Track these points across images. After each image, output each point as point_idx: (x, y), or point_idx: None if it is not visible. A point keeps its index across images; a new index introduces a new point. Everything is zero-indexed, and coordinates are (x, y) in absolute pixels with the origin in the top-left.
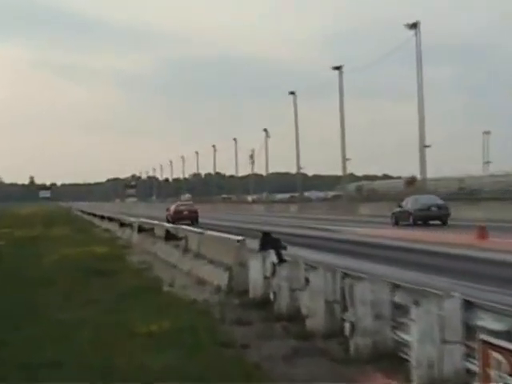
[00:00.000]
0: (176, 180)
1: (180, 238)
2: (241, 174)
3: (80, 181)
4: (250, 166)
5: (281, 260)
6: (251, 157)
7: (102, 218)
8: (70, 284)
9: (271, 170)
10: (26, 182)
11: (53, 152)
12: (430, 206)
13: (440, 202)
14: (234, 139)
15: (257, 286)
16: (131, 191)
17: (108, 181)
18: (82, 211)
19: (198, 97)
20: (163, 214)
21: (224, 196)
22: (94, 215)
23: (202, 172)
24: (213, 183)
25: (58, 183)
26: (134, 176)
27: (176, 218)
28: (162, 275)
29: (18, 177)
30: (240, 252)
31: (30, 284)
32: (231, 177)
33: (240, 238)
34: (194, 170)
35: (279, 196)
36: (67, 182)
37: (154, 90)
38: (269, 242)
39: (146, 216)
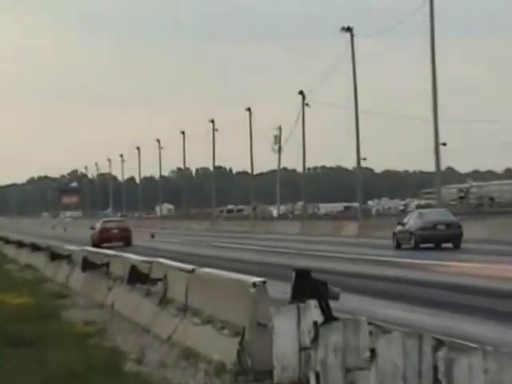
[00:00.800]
0: (149, 179)
1: (154, 280)
2: (259, 169)
3: None
4: (274, 154)
5: (328, 317)
6: (276, 139)
7: (21, 245)
8: None
9: (311, 164)
10: None
11: None
12: (435, 223)
13: (450, 218)
14: (248, 109)
15: (287, 363)
16: (71, 199)
17: (30, 182)
18: None
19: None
20: (134, 240)
21: (230, 208)
22: (6, 241)
23: (192, 167)
24: (211, 185)
25: None
26: (74, 173)
27: (103, 238)
28: (124, 345)
29: None
30: (258, 304)
31: None
32: (243, 174)
33: (258, 279)
34: (177, 163)
35: (325, 207)
36: None
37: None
38: (307, 286)
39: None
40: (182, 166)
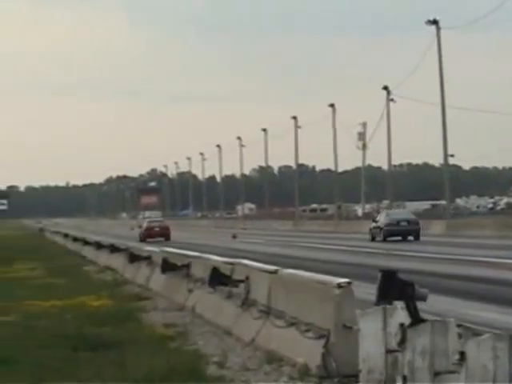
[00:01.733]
0: (230, 178)
1: (236, 282)
2: (343, 166)
3: (59, 182)
4: (358, 151)
5: (416, 319)
6: (361, 136)
7: (99, 246)
8: (40, 369)
9: (396, 161)
10: None
11: (9, 136)
12: (399, 220)
13: (411, 216)
14: (331, 105)
15: (373, 367)
16: (150, 199)
17: (108, 181)
18: (64, 235)
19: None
20: (216, 241)
21: (313, 207)
22: (85, 242)
23: (274, 165)
24: (293, 183)
25: (21, 186)
26: (153, 172)
27: (147, 235)
28: (206, 348)
29: None
30: (343, 305)
31: None
32: (327, 172)
33: (343, 280)
34: (258, 161)
35: (411, 205)
36: (35, 183)
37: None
38: (394, 287)
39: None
40: (263, 164)
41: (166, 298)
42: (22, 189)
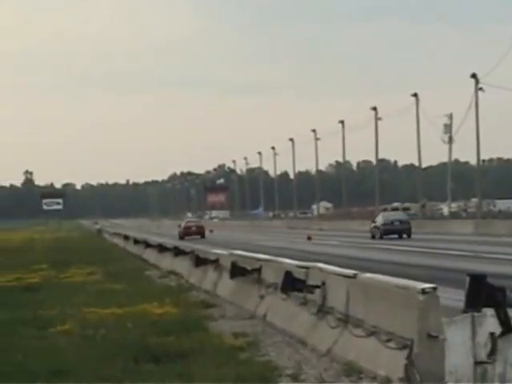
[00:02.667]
0: (304, 175)
1: (312, 287)
2: (427, 161)
3: (118, 179)
4: (444, 145)
5: (507, 328)
6: (447, 128)
7: (162, 248)
8: (99, 382)
9: (485, 155)
10: (19, 182)
11: (69, 133)
12: (392, 220)
13: (403, 217)
14: (414, 95)
15: (461, 379)
16: (218, 198)
17: (172, 178)
18: (124, 236)
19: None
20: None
21: (395, 206)
22: (147, 244)
23: (352, 160)
24: (373, 180)
25: (77, 185)
26: (221, 168)
27: (185, 233)
28: (278, 359)
29: (5, 175)
30: (428, 313)
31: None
32: (410, 167)
33: (428, 285)
34: (335, 156)
35: (502, 203)
36: (92, 181)
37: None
38: (483, 292)
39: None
40: (340, 160)
41: (234, 305)
42: (78, 187)
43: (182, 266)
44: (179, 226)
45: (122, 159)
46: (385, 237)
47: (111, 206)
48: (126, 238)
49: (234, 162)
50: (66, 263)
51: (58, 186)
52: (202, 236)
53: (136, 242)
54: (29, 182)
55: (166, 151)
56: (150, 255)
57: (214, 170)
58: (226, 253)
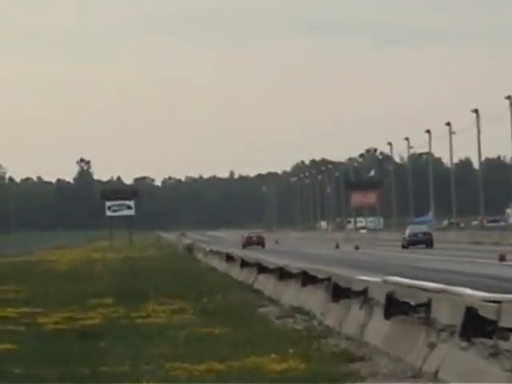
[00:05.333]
0: (493, 163)
1: (505, 331)
2: None
3: (219, 172)
4: None
5: None
6: None
7: (284, 275)
8: None
9: None
10: (70, 176)
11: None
12: (417, 233)
13: (426, 229)
14: None
15: None
16: (366, 198)
17: (296, 169)
18: (227, 256)
19: None
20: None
21: None
22: (260, 268)
23: None
24: None
25: (156, 179)
26: (370, 155)
27: (247, 243)
28: None
29: (51, 165)
30: None
31: None
32: None
33: None
34: None
35: None
36: (178, 174)
37: None
38: None
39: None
40: None
41: (391, 358)
42: (157, 182)
43: (313, 299)
44: (242, 236)
45: (223, 144)
46: (411, 247)
47: (206, 211)
48: (230, 258)
49: (389, 144)
50: (141, 296)
51: (127, 181)
52: (263, 246)
53: (244, 264)
54: (85, 175)
55: (288, 130)
56: (266, 284)
57: (360, 156)
58: (377, 280)
